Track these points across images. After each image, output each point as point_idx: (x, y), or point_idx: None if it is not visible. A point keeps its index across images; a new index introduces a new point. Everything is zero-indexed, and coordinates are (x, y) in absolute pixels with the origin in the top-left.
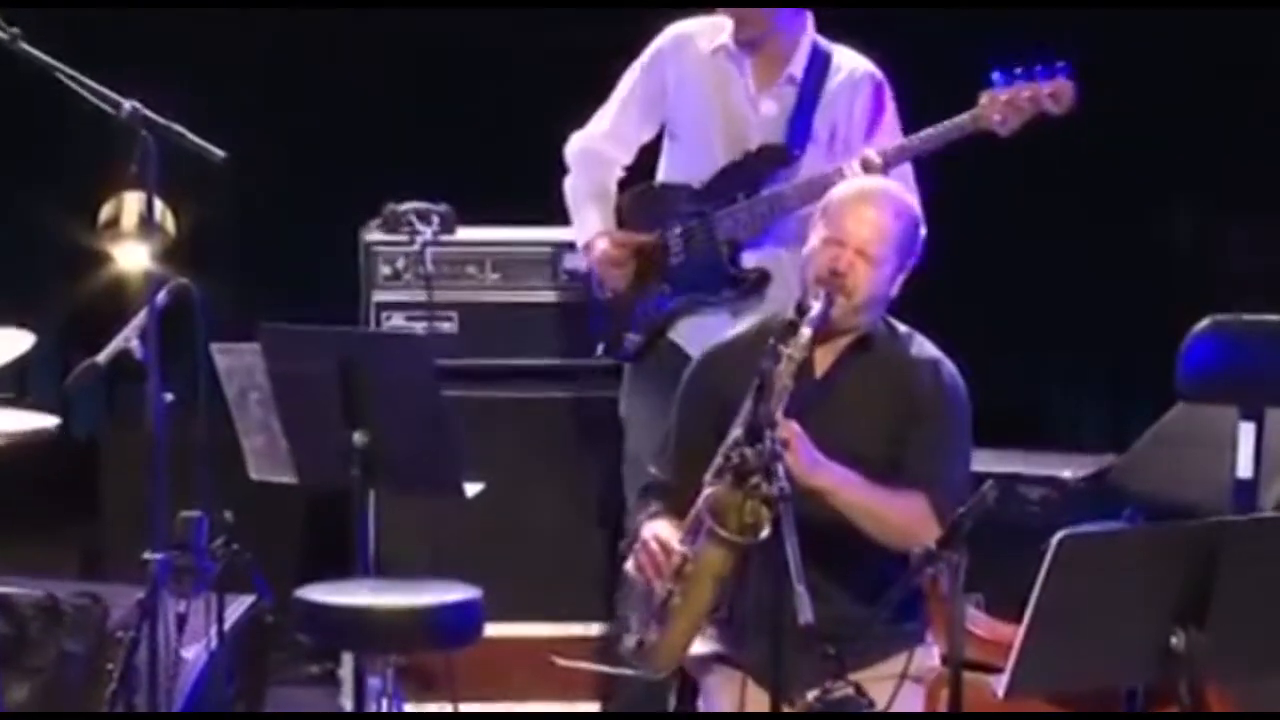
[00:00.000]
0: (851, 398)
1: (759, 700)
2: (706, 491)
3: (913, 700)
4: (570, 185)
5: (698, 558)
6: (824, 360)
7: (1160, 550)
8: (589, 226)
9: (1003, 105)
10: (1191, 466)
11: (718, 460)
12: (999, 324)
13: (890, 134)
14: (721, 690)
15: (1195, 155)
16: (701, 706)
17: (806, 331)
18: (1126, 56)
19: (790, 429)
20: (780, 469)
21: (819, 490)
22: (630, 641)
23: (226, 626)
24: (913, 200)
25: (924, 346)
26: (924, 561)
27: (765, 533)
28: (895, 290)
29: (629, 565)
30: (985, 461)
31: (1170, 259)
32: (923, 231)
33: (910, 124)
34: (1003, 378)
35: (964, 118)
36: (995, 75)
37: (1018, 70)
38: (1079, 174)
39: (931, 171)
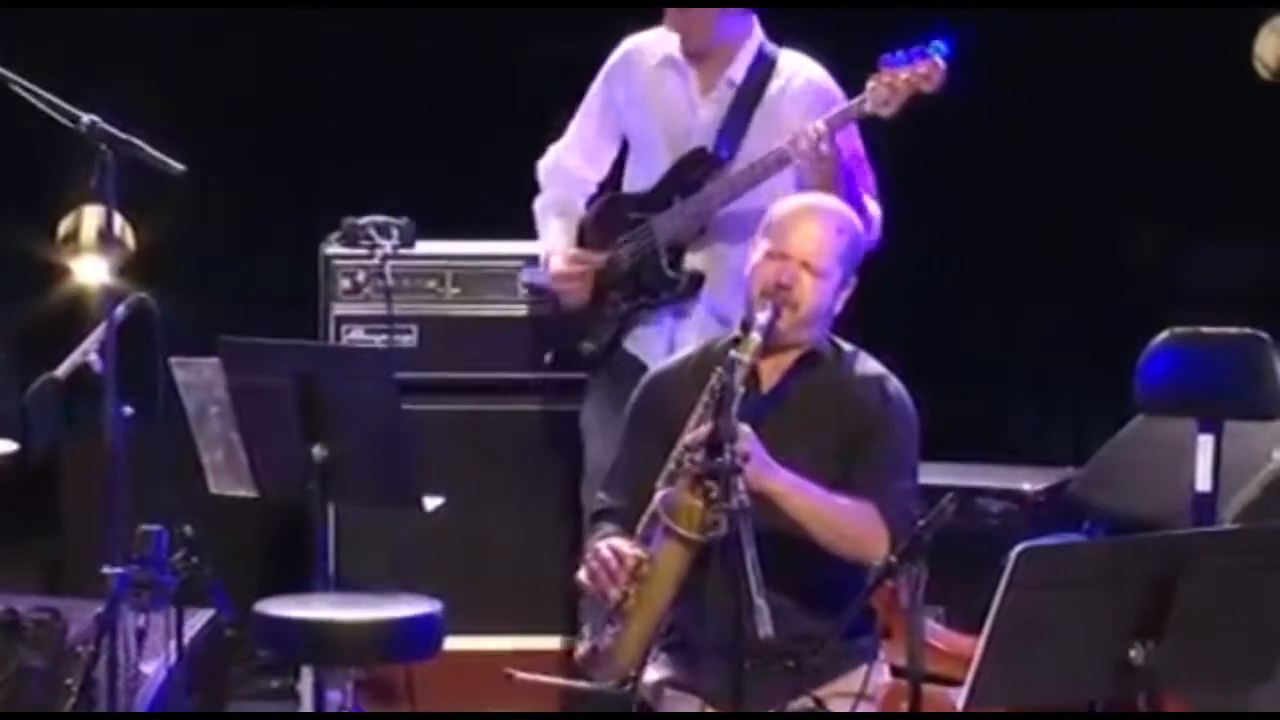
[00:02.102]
0: (798, 414)
1: None
2: (661, 493)
3: None
4: (538, 201)
5: (655, 558)
6: (770, 375)
7: (1119, 563)
8: (549, 242)
9: (885, 88)
10: (1151, 479)
11: (669, 465)
12: (959, 336)
13: (843, 137)
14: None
15: (1156, 169)
16: None
17: (756, 337)
18: (1089, 68)
19: (742, 430)
20: (739, 482)
21: (770, 493)
22: (583, 648)
23: (186, 641)
24: (855, 216)
25: (868, 364)
26: (883, 574)
27: (722, 530)
28: (840, 306)
29: (581, 574)
30: (945, 474)
31: (1131, 272)
32: (870, 237)
33: None
34: (963, 390)
35: (853, 103)
36: (883, 58)
37: (900, 52)
38: (1040, 187)
39: (893, 184)
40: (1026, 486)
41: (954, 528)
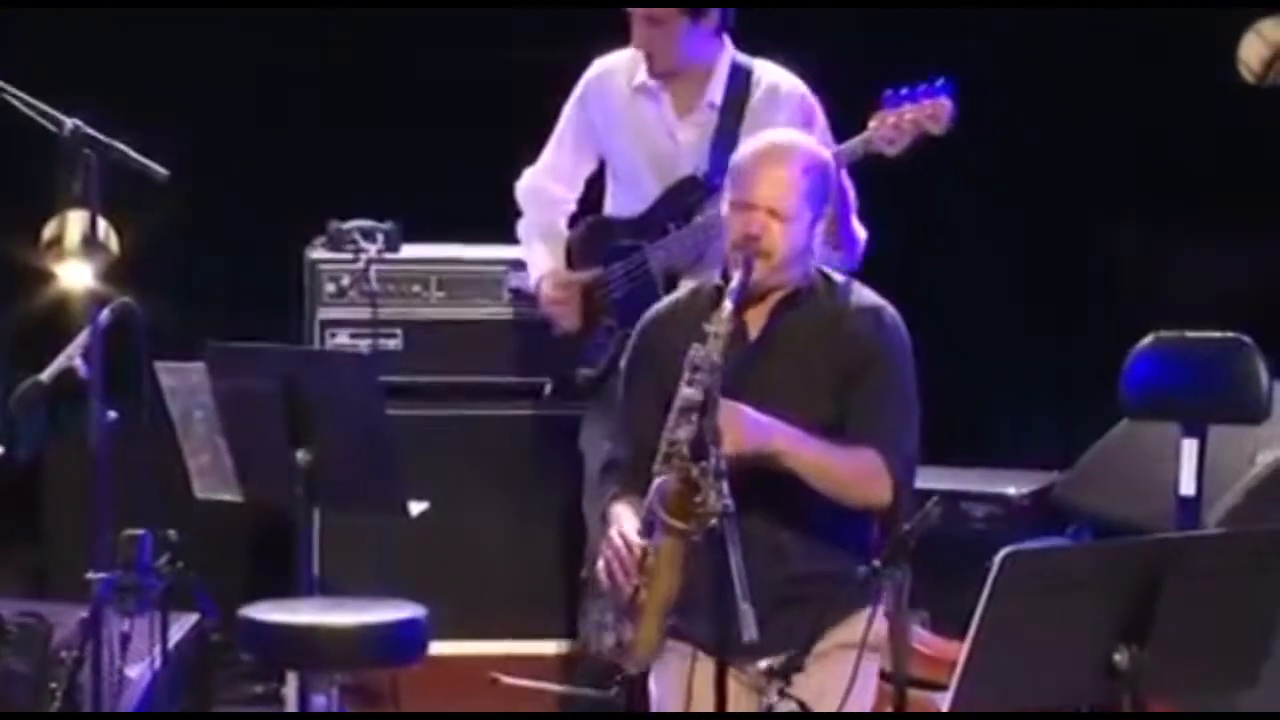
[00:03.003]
0: (788, 356)
1: (708, 671)
2: (656, 482)
3: (871, 671)
4: (521, 225)
5: (656, 551)
6: (756, 321)
7: (1104, 567)
8: (537, 267)
9: (889, 127)
10: (1136, 483)
11: (662, 447)
12: (943, 339)
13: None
14: (669, 664)
15: (1140, 172)
16: (651, 682)
17: (728, 305)
18: (1074, 69)
19: (725, 404)
20: (724, 485)
21: (768, 455)
22: (610, 640)
23: (170, 645)
24: (819, 148)
25: (862, 294)
26: (868, 579)
27: (715, 521)
28: (818, 240)
29: (599, 565)
30: (930, 478)
31: (1116, 275)
32: (839, 169)
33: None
34: (947, 394)
35: (855, 142)
36: (884, 96)
37: (904, 90)
38: (1023, 188)
39: (876, 186)
40: (1011, 491)
41: (939, 532)
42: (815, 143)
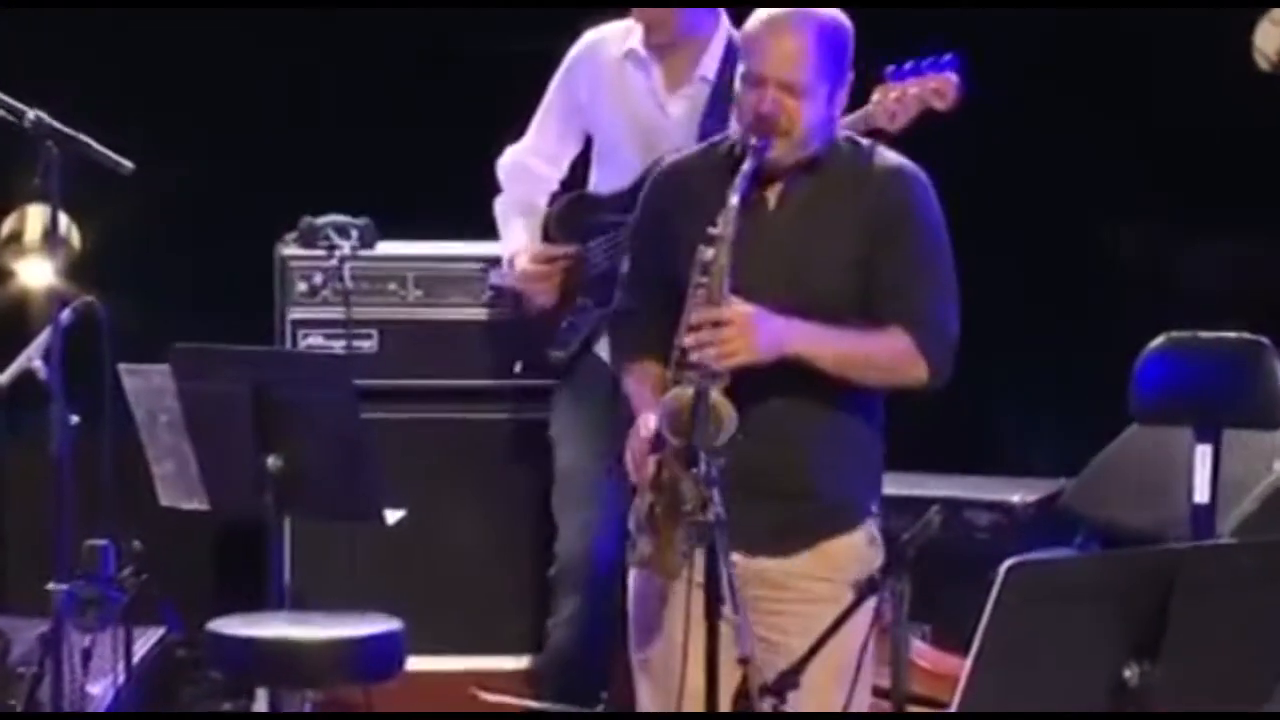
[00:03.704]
0: (809, 224)
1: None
2: (663, 399)
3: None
4: (499, 201)
5: (668, 464)
6: (776, 189)
7: (1113, 579)
8: (512, 242)
9: (892, 101)
10: (1146, 491)
11: (674, 354)
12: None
13: None
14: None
15: (1146, 167)
16: (630, 596)
17: (734, 201)
18: (1078, 62)
19: (737, 313)
20: (715, 494)
21: (793, 358)
22: (645, 549)
23: (134, 661)
24: (835, 14)
25: (886, 156)
26: (865, 590)
27: (724, 438)
28: (840, 109)
29: (626, 457)
30: (931, 485)
31: (1124, 274)
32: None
33: None
34: (948, 398)
35: (858, 115)
36: (888, 70)
37: (908, 65)
38: (1026, 185)
39: None
40: (1016, 498)
41: (940, 541)
42: (830, 10)
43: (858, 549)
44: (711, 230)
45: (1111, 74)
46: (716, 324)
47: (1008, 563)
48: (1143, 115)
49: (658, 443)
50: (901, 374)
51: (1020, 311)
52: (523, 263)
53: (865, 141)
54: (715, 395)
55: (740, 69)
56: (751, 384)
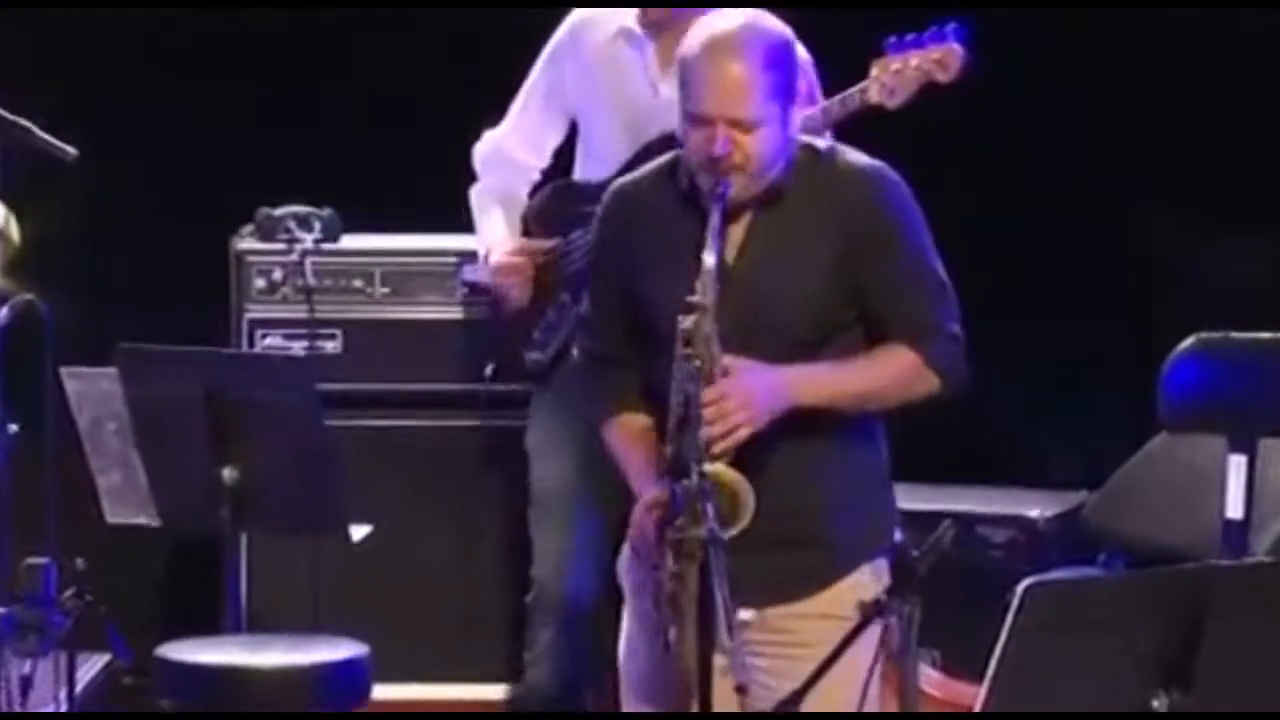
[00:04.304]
0: (780, 259)
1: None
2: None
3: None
4: (475, 190)
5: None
6: (738, 229)
7: (1140, 600)
8: (488, 234)
9: (892, 74)
10: (1175, 505)
11: (671, 431)
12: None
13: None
14: (635, 604)
15: (1175, 156)
16: (625, 616)
17: (710, 262)
18: (1098, 51)
19: (735, 388)
20: (709, 508)
21: (804, 408)
22: (671, 635)
23: (77, 689)
24: (773, 25)
25: (849, 160)
26: (870, 613)
27: (746, 518)
28: (796, 129)
29: (628, 555)
30: (941, 499)
31: (1150, 269)
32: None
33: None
34: (960, 406)
35: (852, 91)
36: (888, 42)
37: (909, 37)
38: (1044, 180)
39: None
40: (1034, 513)
41: (951, 560)
42: (767, 18)
43: (863, 586)
44: (690, 298)
45: (1140, 50)
46: (715, 402)
47: (1025, 583)
48: (1171, 95)
49: (666, 521)
50: (913, 391)
51: (1038, 310)
52: (499, 256)
53: (823, 146)
54: (727, 473)
55: (683, 103)
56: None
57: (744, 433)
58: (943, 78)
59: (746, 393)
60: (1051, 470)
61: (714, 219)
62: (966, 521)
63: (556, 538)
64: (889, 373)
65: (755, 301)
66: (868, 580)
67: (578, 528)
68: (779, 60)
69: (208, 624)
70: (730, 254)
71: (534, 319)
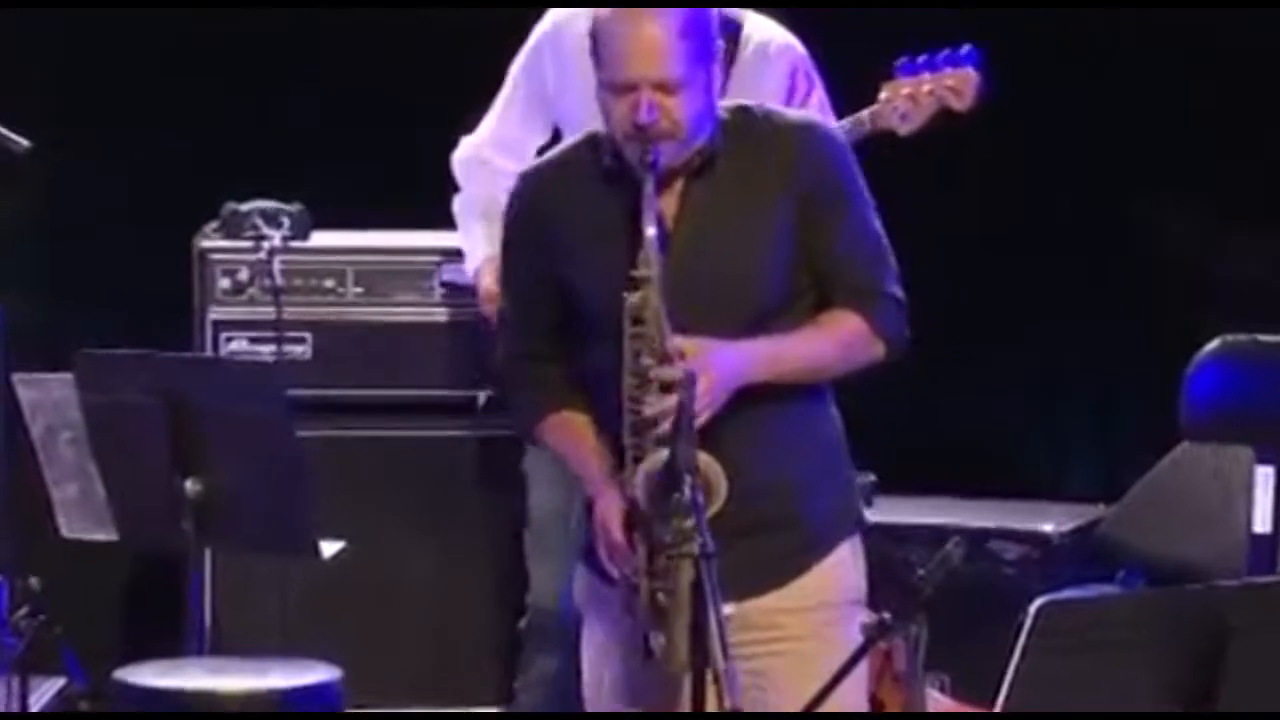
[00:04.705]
0: (715, 229)
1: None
2: (639, 473)
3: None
4: (457, 202)
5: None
6: (671, 199)
7: (1160, 620)
8: (477, 252)
9: (904, 99)
10: (1199, 519)
11: (628, 416)
12: (962, 347)
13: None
14: (598, 619)
15: (1193, 148)
16: (584, 638)
17: (650, 233)
18: (1107, 43)
19: (692, 352)
20: (702, 520)
21: (749, 386)
22: (655, 643)
23: (31, 714)
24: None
25: (785, 117)
26: (875, 634)
27: (720, 501)
28: (718, 84)
29: (601, 553)
30: (949, 513)
31: (1170, 270)
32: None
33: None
34: (969, 414)
35: (862, 115)
36: (899, 64)
37: (921, 58)
38: (1054, 175)
39: (878, 178)
40: (1048, 528)
41: (961, 578)
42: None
43: (844, 565)
44: (634, 273)
45: (1153, 39)
46: (669, 385)
47: (1038, 602)
48: (1190, 80)
49: (634, 519)
50: (859, 358)
51: (1050, 311)
52: (487, 281)
53: (755, 106)
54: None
55: (602, 74)
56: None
57: (706, 415)
58: (958, 105)
59: (706, 375)
60: (1067, 482)
61: (647, 187)
62: (977, 537)
63: (554, 562)
64: (837, 341)
65: (699, 272)
66: (848, 558)
67: (576, 551)
68: (694, 19)
69: (169, 646)
70: (667, 223)
71: None
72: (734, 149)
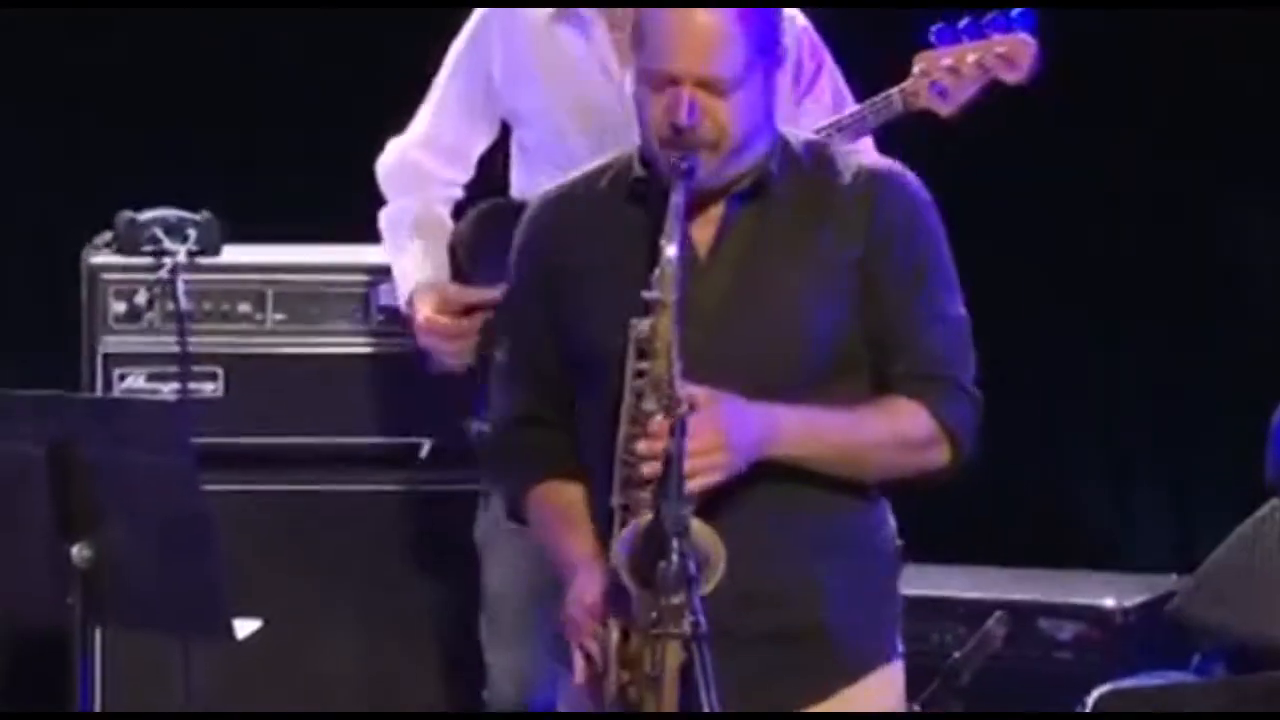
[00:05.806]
0: (756, 275)
1: None
2: (620, 538)
3: None
4: (383, 217)
5: (633, 623)
6: (707, 229)
7: (1241, 710)
8: (408, 277)
9: (944, 73)
10: None
11: (619, 468)
12: (1012, 394)
13: (823, 99)
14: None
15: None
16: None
17: (671, 252)
18: (1184, 28)
19: (705, 420)
20: (695, 598)
21: (778, 458)
22: None
23: None
24: None
25: (860, 159)
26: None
27: (713, 581)
28: (783, 96)
29: (578, 672)
30: (994, 585)
31: (1251, 291)
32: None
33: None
34: (1023, 474)
35: (892, 93)
36: (936, 30)
37: (963, 23)
38: (1116, 185)
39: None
40: (1110, 602)
41: (1006, 661)
42: None
43: (884, 697)
44: (646, 295)
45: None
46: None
47: (1098, 691)
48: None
49: (611, 602)
50: (916, 459)
51: (1112, 346)
52: (425, 310)
53: (812, 137)
54: (696, 525)
55: (640, 61)
56: (726, 485)
57: (713, 479)
58: (1011, 77)
59: (718, 430)
60: (1132, 549)
61: (675, 197)
62: (1025, 613)
63: (513, 650)
64: (893, 429)
65: (729, 315)
66: (878, 694)
67: (539, 632)
68: (757, 18)
69: None
70: (699, 253)
71: (475, 381)
72: (794, 180)
